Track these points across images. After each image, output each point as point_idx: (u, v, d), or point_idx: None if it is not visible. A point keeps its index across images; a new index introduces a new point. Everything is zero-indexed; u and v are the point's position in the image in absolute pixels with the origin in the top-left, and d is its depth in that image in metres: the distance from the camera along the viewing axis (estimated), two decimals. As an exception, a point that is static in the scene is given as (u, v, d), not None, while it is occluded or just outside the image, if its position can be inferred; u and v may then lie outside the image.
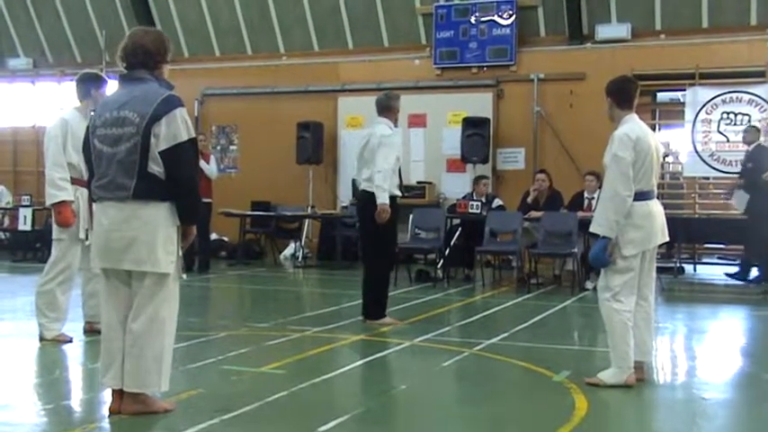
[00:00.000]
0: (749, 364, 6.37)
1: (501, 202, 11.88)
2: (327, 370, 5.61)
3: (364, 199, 7.57)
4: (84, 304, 6.67)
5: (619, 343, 5.21)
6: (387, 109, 7.72)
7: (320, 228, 14.27)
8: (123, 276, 4.32)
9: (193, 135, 4.31)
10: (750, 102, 12.39)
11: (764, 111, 12.20)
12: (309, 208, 13.60)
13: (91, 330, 6.49)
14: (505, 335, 7.06)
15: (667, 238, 5.48)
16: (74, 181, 6.30)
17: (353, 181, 8.04)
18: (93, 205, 4.44)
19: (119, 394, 4.30)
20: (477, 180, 12.09)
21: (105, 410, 4.35)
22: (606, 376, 5.23)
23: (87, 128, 4.45)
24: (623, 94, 5.45)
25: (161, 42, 4.41)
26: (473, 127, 13.28)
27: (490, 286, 10.86)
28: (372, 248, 7.57)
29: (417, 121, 14.20)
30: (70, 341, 6.35)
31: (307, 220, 13.97)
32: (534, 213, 10.88)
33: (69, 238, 6.38)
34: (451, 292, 10.03)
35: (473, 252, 10.96)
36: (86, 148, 4.46)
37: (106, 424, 4.23)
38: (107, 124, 4.28)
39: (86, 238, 6.17)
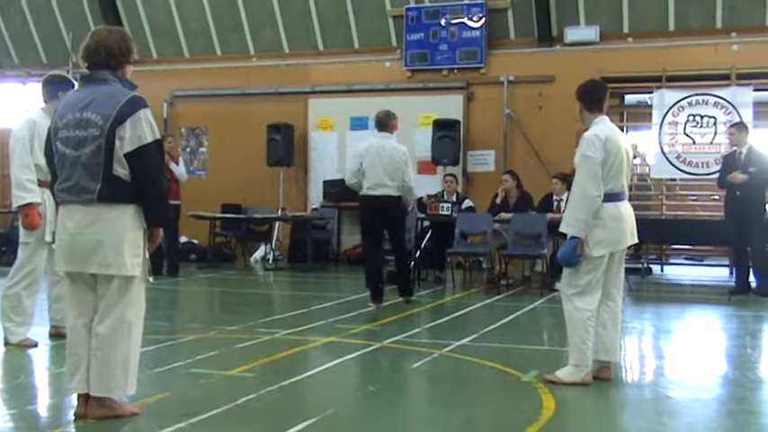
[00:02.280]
0: (715, 363, 6.45)
1: (471, 203, 11.92)
2: (297, 372, 5.60)
3: (391, 200, 8.80)
4: (50, 308, 6.60)
5: (578, 342, 5.28)
6: (388, 126, 8.99)
7: (291, 230, 14.25)
8: (88, 280, 4.27)
9: (158, 136, 4.26)
10: (716, 104, 12.55)
11: (729, 113, 12.36)
12: (280, 210, 13.57)
13: (57, 334, 6.41)
14: (475, 336, 7.09)
15: (636, 240, 5.54)
16: (41, 183, 6.22)
17: (352, 186, 9.03)
18: (58, 208, 4.39)
19: (85, 399, 4.26)
20: (444, 178, 12.19)
21: (71, 415, 4.31)
22: (564, 374, 5.29)
23: (48, 129, 4.39)
24: (592, 97, 5.53)
25: (124, 42, 4.36)
26: (443, 129, 13.32)
27: (461, 288, 10.90)
28: (402, 240, 9.19)
29: (388, 123, 14.17)
30: (36, 345, 6.27)
31: (277, 223, 13.94)
32: (504, 215, 10.93)
33: (36, 241, 6.30)
34: (422, 294, 10.03)
35: (444, 254, 10.99)
36: (48, 150, 4.40)
37: (72, 429, 4.18)
38: (69, 126, 4.23)
39: (53, 241, 6.10)
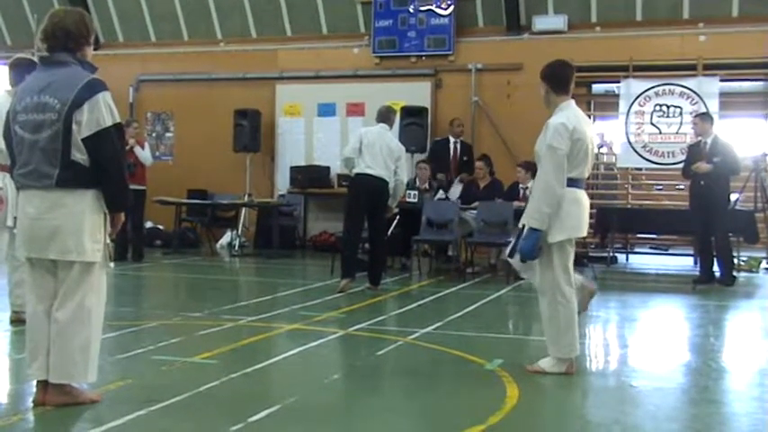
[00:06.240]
0: (678, 353, 6.51)
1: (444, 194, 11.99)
2: (260, 360, 5.56)
3: (384, 184, 9.01)
4: (10, 293, 6.50)
5: (564, 335, 5.18)
6: (388, 119, 9.36)
7: (257, 216, 14.16)
8: (48, 265, 4.20)
9: (118, 120, 4.19)
10: (682, 94, 12.64)
11: (695, 103, 12.46)
12: (246, 196, 13.49)
13: (18, 320, 6.30)
14: (440, 323, 7.09)
15: (586, 233, 5.46)
16: (1, 167, 6.12)
17: (347, 161, 9.11)
18: (18, 193, 4.31)
19: (44, 385, 4.19)
20: (417, 165, 12.18)
21: (30, 402, 4.24)
22: (547, 365, 5.24)
23: (8, 113, 4.31)
24: (559, 78, 5.32)
25: (83, 23, 4.27)
26: (411, 116, 13.28)
27: (427, 275, 10.91)
28: (382, 228, 9.37)
29: (356, 109, 14.17)
30: (-4, 331, 6.20)
31: (243, 209, 13.85)
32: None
33: (-3, 226, 6.21)
34: (388, 281, 10.00)
35: (410, 241, 10.99)
36: (7, 133, 4.32)
37: (31, 416, 4.12)
38: (28, 110, 4.15)
39: (14, 226, 6.00)
